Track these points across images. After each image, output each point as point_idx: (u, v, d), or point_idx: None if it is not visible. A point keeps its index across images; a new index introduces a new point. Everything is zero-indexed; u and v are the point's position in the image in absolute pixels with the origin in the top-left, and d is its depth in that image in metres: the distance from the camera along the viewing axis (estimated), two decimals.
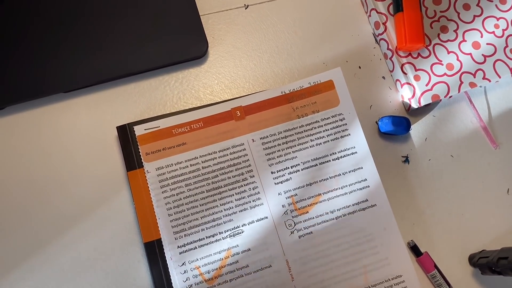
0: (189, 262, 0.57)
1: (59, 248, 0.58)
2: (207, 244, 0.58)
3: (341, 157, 0.62)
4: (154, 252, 0.57)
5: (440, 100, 0.65)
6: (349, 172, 0.62)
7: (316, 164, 0.61)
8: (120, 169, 0.61)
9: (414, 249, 0.61)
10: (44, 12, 0.63)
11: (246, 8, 0.69)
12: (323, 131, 0.63)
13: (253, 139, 0.62)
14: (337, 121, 0.63)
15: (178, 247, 0.57)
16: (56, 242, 0.58)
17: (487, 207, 0.64)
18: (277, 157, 0.61)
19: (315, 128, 0.63)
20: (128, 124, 0.60)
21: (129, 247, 0.59)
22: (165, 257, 0.57)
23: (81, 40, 0.63)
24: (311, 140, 0.62)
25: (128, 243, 0.59)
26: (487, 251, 0.61)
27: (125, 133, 0.60)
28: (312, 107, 0.63)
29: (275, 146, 0.62)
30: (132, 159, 0.60)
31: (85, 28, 0.63)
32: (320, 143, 0.62)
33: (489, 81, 0.64)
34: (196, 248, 0.58)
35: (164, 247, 0.57)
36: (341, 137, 0.63)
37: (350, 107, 0.64)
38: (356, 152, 0.62)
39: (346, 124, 0.63)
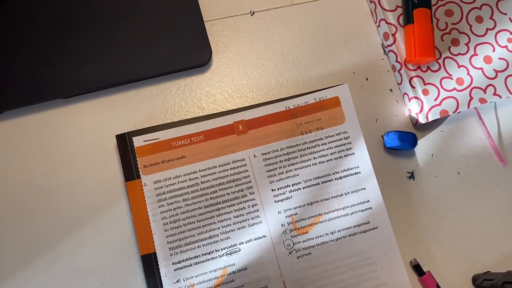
0: (184, 279, 0.56)
1: (55, 257, 0.57)
2: (203, 261, 0.57)
3: (344, 176, 0.61)
4: (151, 265, 0.56)
5: (449, 115, 0.63)
6: (352, 192, 0.60)
7: (318, 183, 0.60)
8: (119, 178, 0.60)
9: (417, 268, 0.60)
10: (44, 16, 0.62)
11: (251, 15, 0.67)
12: (327, 149, 0.61)
13: (254, 155, 0.60)
14: (341, 139, 0.62)
15: (173, 263, 0.56)
16: (52, 250, 0.57)
17: (493, 226, 0.63)
18: (279, 174, 0.60)
19: (318, 145, 0.61)
20: (127, 133, 0.59)
21: (126, 258, 0.58)
22: None
23: (82, 45, 0.62)
24: (314, 158, 0.61)
25: (125, 254, 0.58)
26: (492, 273, 0.59)
27: (125, 142, 0.59)
28: (317, 124, 0.62)
29: (277, 162, 0.60)
30: (130, 169, 0.59)
31: (87, 34, 0.62)
32: (323, 161, 0.61)
33: (500, 97, 0.62)
34: (191, 265, 0.57)
35: (159, 263, 0.56)
36: (345, 156, 0.61)
37: (355, 125, 0.62)
38: (359, 172, 0.61)
39: (350, 142, 0.62)
